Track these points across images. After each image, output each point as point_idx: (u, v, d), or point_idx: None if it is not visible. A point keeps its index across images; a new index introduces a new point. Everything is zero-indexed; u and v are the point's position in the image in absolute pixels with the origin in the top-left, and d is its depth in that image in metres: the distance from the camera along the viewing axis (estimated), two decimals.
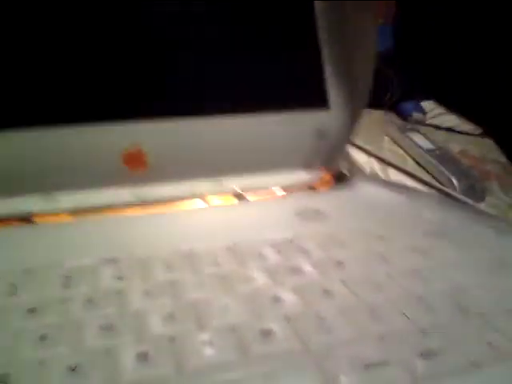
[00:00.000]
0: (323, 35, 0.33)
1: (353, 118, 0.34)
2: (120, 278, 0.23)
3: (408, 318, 0.20)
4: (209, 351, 0.18)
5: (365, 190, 0.33)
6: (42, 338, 0.19)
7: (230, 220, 0.30)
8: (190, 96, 0.31)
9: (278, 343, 0.19)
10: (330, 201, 0.32)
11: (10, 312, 0.20)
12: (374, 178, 0.38)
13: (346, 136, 0.35)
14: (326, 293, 0.22)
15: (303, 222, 0.30)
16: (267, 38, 0.32)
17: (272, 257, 0.25)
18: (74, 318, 0.20)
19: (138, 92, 0.30)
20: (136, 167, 0.31)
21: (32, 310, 0.20)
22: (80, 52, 0.28)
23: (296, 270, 0.24)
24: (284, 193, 0.34)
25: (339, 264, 0.24)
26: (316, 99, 0.33)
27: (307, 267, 0.24)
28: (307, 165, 0.35)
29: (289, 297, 0.22)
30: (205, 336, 0.19)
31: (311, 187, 0.34)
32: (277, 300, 0.21)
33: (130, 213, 0.31)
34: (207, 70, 0.31)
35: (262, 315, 0.21)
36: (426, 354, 0.18)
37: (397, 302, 0.22)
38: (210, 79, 0.31)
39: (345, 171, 0.36)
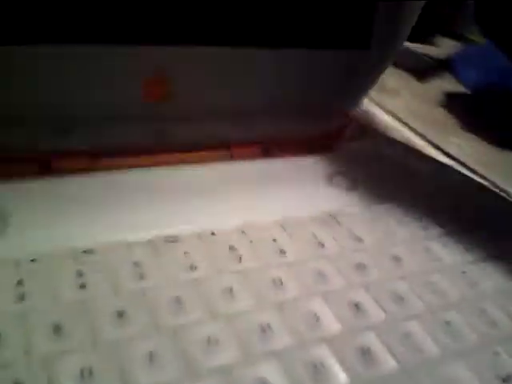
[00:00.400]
0: None
1: (387, 60, 0.33)
2: (191, 268, 0.22)
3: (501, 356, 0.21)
4: None
5: (391, 154, 0.33)
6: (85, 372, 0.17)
7: (262, 183, 0.29)
8: (222, 24, 0.28)
9: (377, 364, 0.20)
10: (357, 164, 0.32)
11: (30, 331, 0.17)
12: (397, 139, 0.37)
13: (376, 78, 0.34)
14: (400, 300, 0.23)
15: (336, 190, 0.29)
16: None
17: (329, 244, 0.25)
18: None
19: (166, 15, 0.26)
20: (158, 97, 0.28)
21: (57, 329, 0.18)
22: None
23: (360, 267, 0.24)
24: (307, 147, 0.32)
25: (397, 260, 0.25)
26: (358, 37, 0.31)
27: (368, 262, 0.24)
28: (331, 109, 0.33)
29: (369, 305, 0.22)
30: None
31: (333, 137, 0.33)
32: (359, 308, 0.22)
33: (152, 161, 0.28)
34: None
35: (355, 330, 0.21)
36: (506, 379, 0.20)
37: (466, 314, 0.23)
38: (244, 5, 0.28)
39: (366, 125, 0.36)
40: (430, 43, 0.81)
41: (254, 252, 0.23)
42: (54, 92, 0.26)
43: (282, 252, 0.24)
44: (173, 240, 0.23)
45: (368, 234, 0.26)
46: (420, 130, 0.44)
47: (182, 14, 0.26)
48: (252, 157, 0.31)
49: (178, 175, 0.28)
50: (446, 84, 0.59)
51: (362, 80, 0.33)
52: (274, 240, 0.24)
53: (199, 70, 0.28)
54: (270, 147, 0.31)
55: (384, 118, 0.48)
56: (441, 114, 0.51)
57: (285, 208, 0.27)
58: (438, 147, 0.44)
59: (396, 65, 0.62)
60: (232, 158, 0.30)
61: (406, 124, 0.47)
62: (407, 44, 0.75)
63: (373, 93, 0.48)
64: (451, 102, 0.54)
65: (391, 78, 0.57)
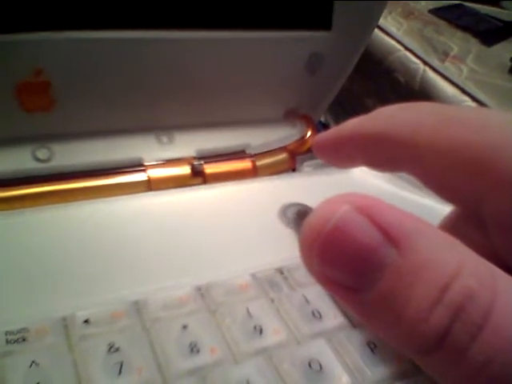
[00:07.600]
0: None
1: (356, 46, 0.25)
2: None
3: None
4: None
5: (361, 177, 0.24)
6: None
7: (192, 224, 0.19)
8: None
9: None
10: (320, 191, 0.22)
11: None
12: None
13: (346, 69, 0.26)
14: None
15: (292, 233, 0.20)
16: None
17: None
18: None
19: None
20: (37, 106, 0.19)
21: None
22: None
23: None
24: (254, 161, 0.23)
25: None
26: (316, 16, 0.23)
27: None
28: (290, 111, 0.25)
29: None
30: None
31: (291, 152, 0.25)
32: None
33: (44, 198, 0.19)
34: None
35: None
36: None
37: None
38: None
39: None
40: (497, 5, 0.77)
41: None
42: None
43: None
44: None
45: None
46: (485, 100, 0.40)
47: None
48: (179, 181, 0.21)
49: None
50: None
51: (326, 72, 0.24)
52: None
53: (92, 64, 0.19)
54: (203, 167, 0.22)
55: (445, 89, 0.45)
56: (509, 81, 0.48)
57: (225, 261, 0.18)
58: None
59: (461, 28, 0.60)
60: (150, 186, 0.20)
61: (469, 94, 0.44)
62: (473, 5, 0.67)
63: (434, 60, 0.49)
64: None
65: (455, 42, 0.55)
